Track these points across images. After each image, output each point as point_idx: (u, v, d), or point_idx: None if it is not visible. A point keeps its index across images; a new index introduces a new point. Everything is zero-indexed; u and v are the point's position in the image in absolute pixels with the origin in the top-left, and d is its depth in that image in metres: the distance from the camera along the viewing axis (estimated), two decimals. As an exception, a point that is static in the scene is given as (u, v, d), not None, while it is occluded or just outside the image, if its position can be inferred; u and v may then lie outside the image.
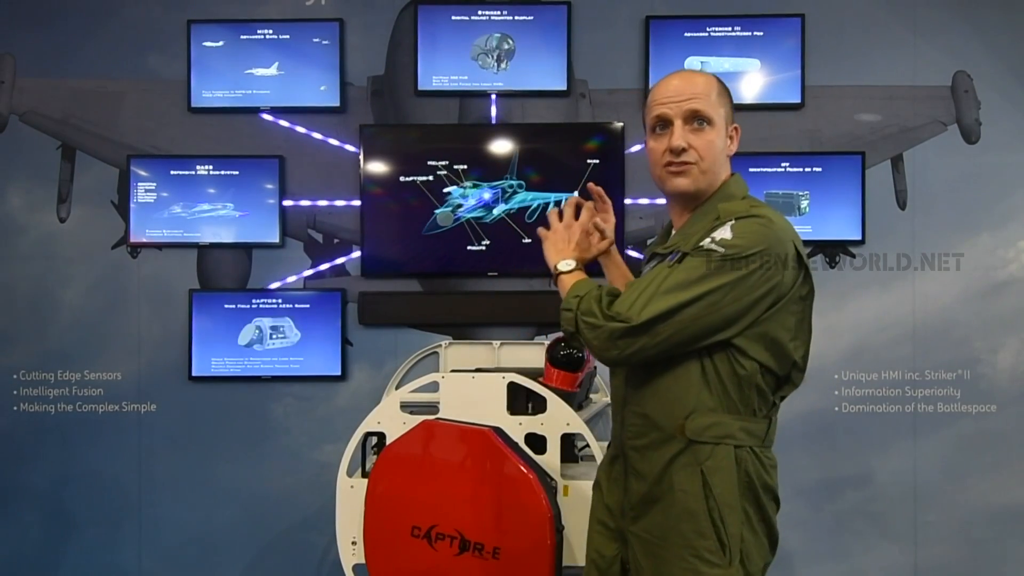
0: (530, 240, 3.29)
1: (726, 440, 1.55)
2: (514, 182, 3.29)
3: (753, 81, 3.33)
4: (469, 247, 3.30)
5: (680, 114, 1.56)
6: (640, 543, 1.61)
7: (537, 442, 2.40)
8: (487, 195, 3.30)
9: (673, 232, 1.68)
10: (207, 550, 3.35)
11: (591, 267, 1.79)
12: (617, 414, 1.71)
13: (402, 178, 3.31)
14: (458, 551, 2.14)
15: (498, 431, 2.25)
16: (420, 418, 2.45)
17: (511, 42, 3.34)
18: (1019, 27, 3.34)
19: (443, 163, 3.30)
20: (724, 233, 1.50)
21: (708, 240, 1.51)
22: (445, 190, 3.30)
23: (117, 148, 3.38)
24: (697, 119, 1.56)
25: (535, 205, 3.29)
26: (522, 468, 2.16)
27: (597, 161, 3.27)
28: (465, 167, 3.30)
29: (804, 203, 3.31)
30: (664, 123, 1.58)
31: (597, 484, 1.78)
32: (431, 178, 3.30)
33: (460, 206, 3.28)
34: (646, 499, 1.59)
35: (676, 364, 1.55)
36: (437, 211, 3.28)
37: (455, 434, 2.24)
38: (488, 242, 3.30)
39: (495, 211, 3.30)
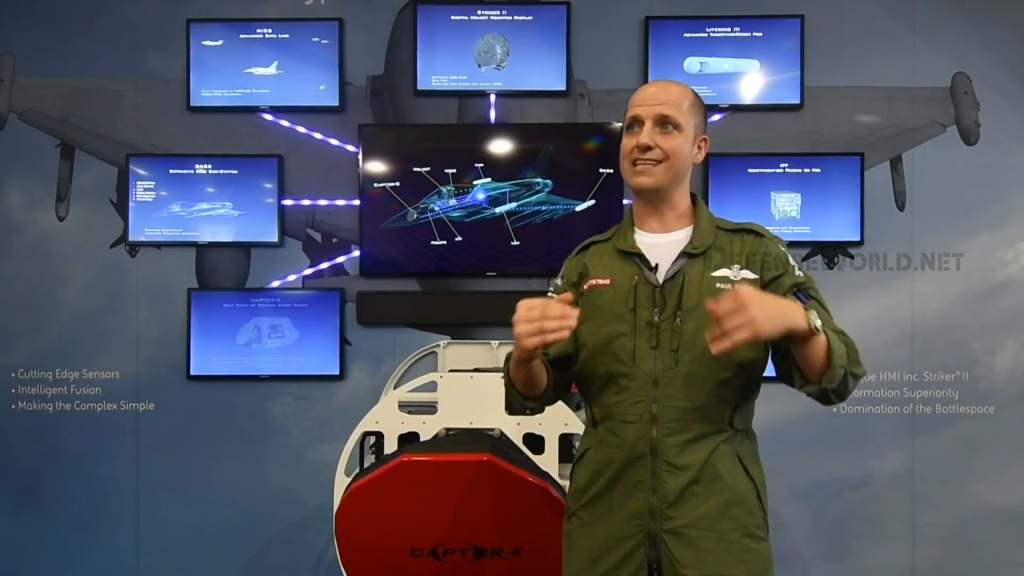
0: (518, 243, 3.29)
1: (750, 426, 1.71)
2: (541, 180, 3.29)
3: (752, 82, 3.33)
4: (432, 242, 3.30)
5: (651, 116, 1.66)
6: (676, 539, 1.60)
7: (535, 442, 2.40)
8: (481, 196, 3.31)
9: (636, 229, 1.73)
10: (205, 549, 3.35)
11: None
12: (642, 414, 1.62)
13: (401, 178, 3.31)
14: (473, 558, 2.09)
15: (495, 442, 2.22)
16: (419, 418, 2.45)
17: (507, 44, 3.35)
18: (1019, 29, 3.34)
19: (443, 163, 3.30)
20: (789, 258, 1.68)
21: (796, 271, 1.67)
22: (443, 188, 3.30)
23: (116, 147, 3.38)
24: (666, 123, 1.66)
25: (534, 211, 3.29)
26: (531, 479, 2.07)
27: (611, 171, 3.26)
28: (478, 167, 3.30)
29: (787, 207, 3.30)
30: (637, 123, 1.68)
31: (593, 517, 1.67)
32: (428, 177, 3.30)
33: (427, 208, 3.28)
34: (687, 491, 1.60)
35: (743, 362, 1.63)
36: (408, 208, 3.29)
37: (446, 469, 2.06)
38: (460, 239, 3.30)
39: (498, 210, 3.30)
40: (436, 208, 3.30)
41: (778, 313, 1.42)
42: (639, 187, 1.68)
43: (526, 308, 1.50)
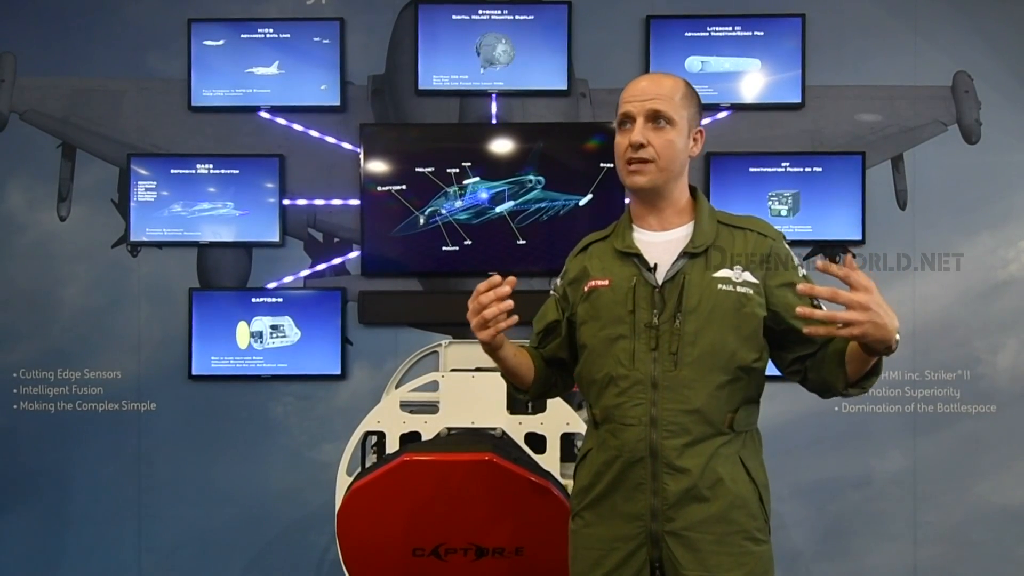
0: (523, 242, 3.29)
1: (754, 427, 1.69)
2: (533, 177, 3.28)
3: (753, 81, 3.33)
4: (444, 248, 3.30)
5: (642, 112, 1.63)
6: (677, 540, 1.60)
7: (537, 441, 2.40)
8: (484, 195, 3.31)
9: (634, 227, 1.71)
10: (207, 549, 3.35)
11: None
12: (641, 417, 1.61)
13: (403, 178, 3.31)
14: (475, 558, 2.09)
15: (497, 442, 2.22)
16: (420, 418, 2.45)
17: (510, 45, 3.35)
18: (1019, 27, 3.34)
19: (444, 162, 3.30)
20: (793, 257, 1.70)
21: (799, 271, 1.68)
22: (449, 189, 3.30)
23: (117, 147, 3.38)
24: (658, 118, 1.62)
25: (537, 208, 3.29)
26: (533, 479, 2.08)
27: (611, 166, 3.25)
28: (466, 166, 3.30)
29: (779, 207, 3.29)
30: (629, 120, 1.65)
31: (596, 518, 1.68)
32: (432, 178, 3.30)
33: (437, 211, 3.28)
34: (688, 495, 1.59)
35: (743, 365, 1.63)
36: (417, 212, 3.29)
37: (448, 469, 2.06)
38: (469, 242, 3.30)
39: (499, 209, 3.30)
40: (444, 211, 3.30)
41: (885, 323, 1.46)
42: (634, 186, 1.66)
43: (470, 303, 1.60)
